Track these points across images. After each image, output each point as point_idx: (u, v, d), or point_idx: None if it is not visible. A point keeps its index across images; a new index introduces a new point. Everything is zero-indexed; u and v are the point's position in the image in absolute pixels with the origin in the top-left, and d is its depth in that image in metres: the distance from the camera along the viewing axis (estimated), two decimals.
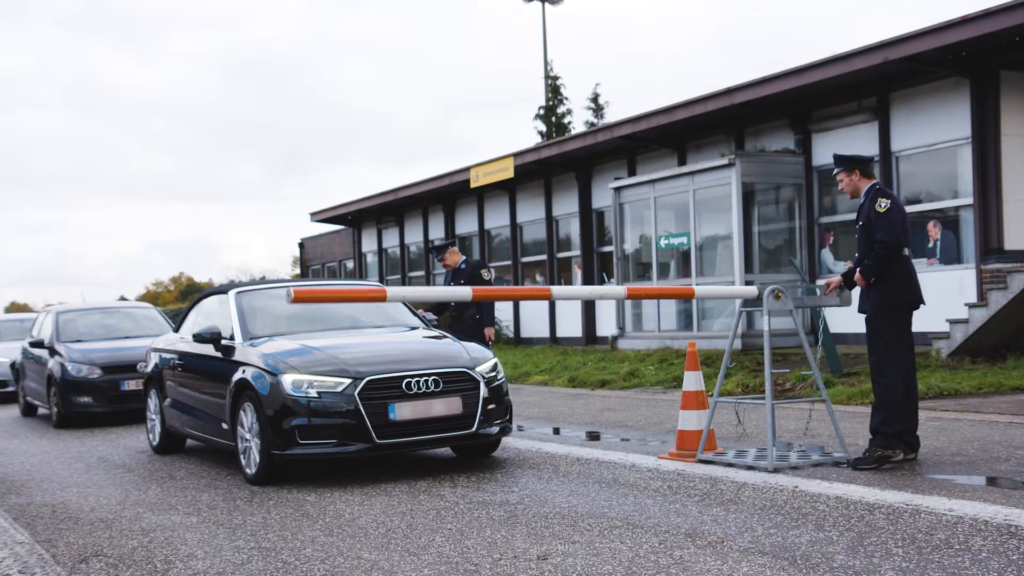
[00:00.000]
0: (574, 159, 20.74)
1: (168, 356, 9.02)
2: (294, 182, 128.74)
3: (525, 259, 23.36)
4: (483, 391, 7.12)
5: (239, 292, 8.29)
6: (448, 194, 25.07)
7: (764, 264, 16.29)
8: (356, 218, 29.92)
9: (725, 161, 15.81)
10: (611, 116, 40.76)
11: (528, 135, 69.80)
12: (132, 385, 11.86)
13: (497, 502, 5.96)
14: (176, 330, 9.45)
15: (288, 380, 6.84)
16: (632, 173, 19.36)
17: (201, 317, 8.80)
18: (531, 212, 23.12)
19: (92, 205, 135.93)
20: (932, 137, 14.08)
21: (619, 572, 4.29)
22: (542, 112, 40.68)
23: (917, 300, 6.71)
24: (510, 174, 21.32)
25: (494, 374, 7.37)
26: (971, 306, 12.38)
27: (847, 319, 13.00)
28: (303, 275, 37.43)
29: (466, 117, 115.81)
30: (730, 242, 15.82)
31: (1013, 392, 10.03)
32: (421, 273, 27.48)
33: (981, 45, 12.65)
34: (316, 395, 6.78)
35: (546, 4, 36.08)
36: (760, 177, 16.01)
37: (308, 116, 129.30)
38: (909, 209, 13.41)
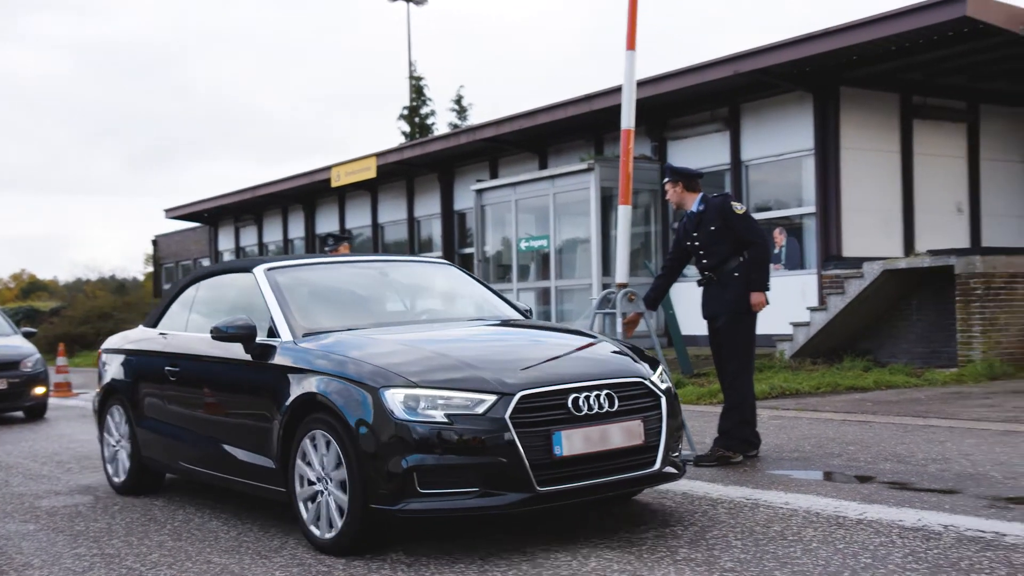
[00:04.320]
0: (437, 160, 20.78)
1: (146, 360, 6.54)
2: (156, 177, 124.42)
3: None
4: (665, 409, 4.93)
5: (271, 268, 5.84)
6: (309, 193, 24.72)
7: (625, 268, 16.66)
8: (213, 216, 29.16)
9: (585, 166, 16.14)
10: (475, 118, 41.00)
11: (393, 135, 69.43)
12: None
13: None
14: (156, 323, 6.81)
15: (397, 397, 4.50)
16: (494, 175, 19.54)
17: (201, 307, 6.43)
18: (393, 213, 23.03)
19: None
20: (779, 148, 14.75)
21: None
22: (406, 113, 40.60)
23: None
24: (372, 174, 21.19)
25: (669, 384, 5.15)
26: (812, 310, 13.03)
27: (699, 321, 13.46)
28: (156, 274, 36.23)
29: (334, 115, 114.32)
30: (588, 245, 16.16)
31: (848, 391, 10.61)
32: None
33: (824, 62, 13.34)
34: (444, 419, 4.43)
35: (411, 4, 36.02)
36: (618, 182, 16.37)
37: (174, 109, 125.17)
38: (759, 216, 14.00)
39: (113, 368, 6.95)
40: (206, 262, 31.08)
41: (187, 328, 6.33)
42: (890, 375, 11.29)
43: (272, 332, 5.36)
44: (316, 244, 25.00)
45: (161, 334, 6.57)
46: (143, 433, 6.42)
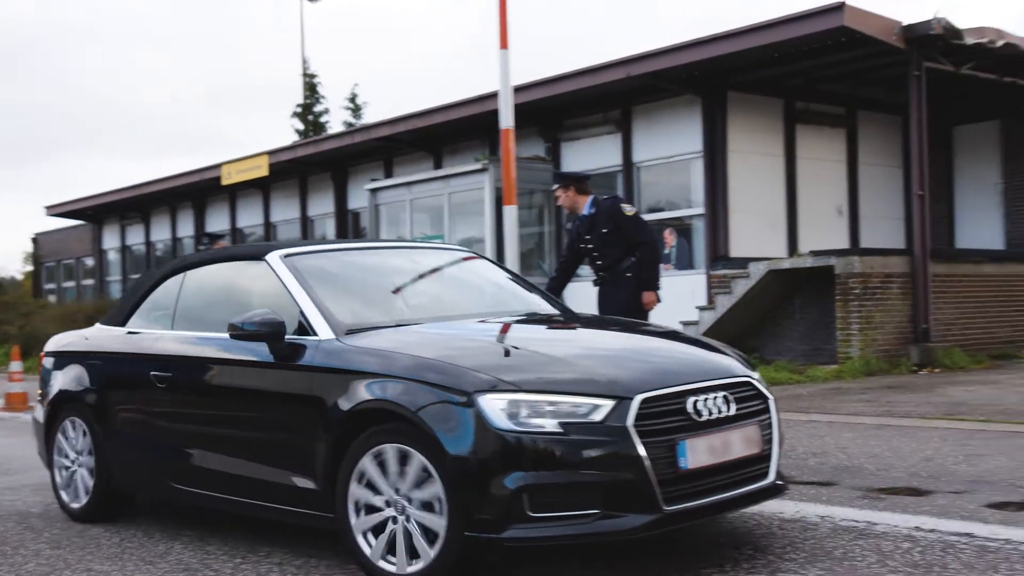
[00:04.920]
0: (331, 159, 20.56)
1: (118, 364, 5.57)
2: (33, 173, 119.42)
3: None
4: (775, 413, 4.42)
5: (290, 255, 5.01)
6: (198, 191, 24.16)
7: (516, 267, 16.79)
8: (98, 213, 28.23)
9: (479, 166, 16.19)
10: (369, 117, 40.67)
11: (286, 133, 68.33)
12: None
13: None
14: (124, 321, 5.81)
15: (497, 403, 3.78)
16: (389, 175, 19.44)
17: (192, 302, 5.45)
18: (286, 212, 22.69)
19: None
20: (669, 150, 15.07)
21: None
22: (299, 110, 40.05)
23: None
24: (264, 172, 20.84)
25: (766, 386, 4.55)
26: (701, 309, 13.38)
27: None
28: (36, 273, 34.88)
29: (223, 112, 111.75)
30: (483, 245, 16.21)
31: None
32: None
33: (711, 67, 13.69)
34: (558, 429, 3.75)
35: (303, 1, 35.55)
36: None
37: (53, 102, 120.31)
38: (650, 216, 14.29)
39: (66, 375, 5.85)
40: (90, 261, 30.06)
41: (174, 326, 5.40)
42: (775, 372, 11.66)
43: (302, 329, 4.54)
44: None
45: (131, 333, 5.64)
46: (114, 450, 5.44)
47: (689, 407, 3.95)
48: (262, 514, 4.69)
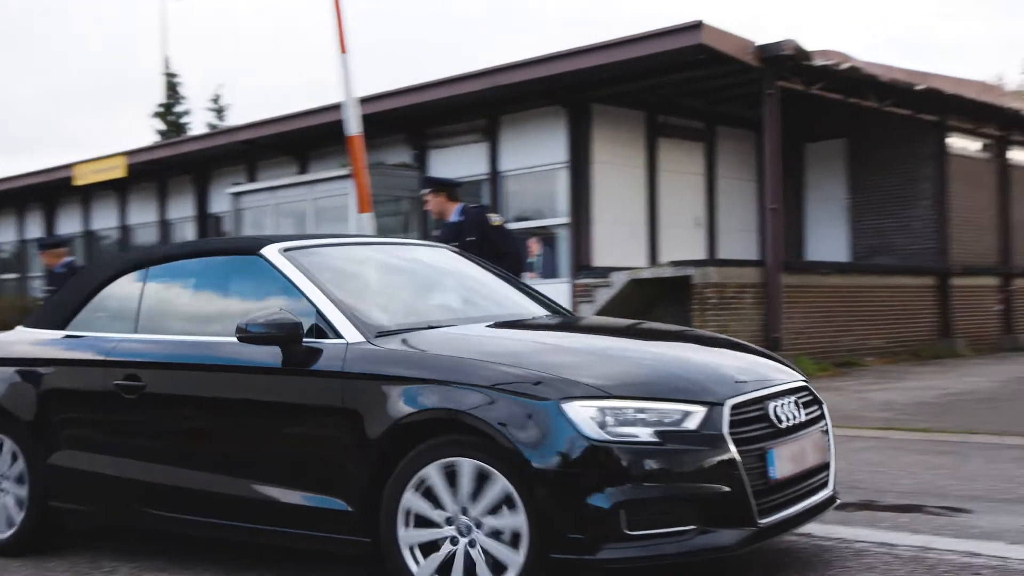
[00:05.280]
0: (192, 161, 20.00)
1: (63, 372, 4.86)
2: None
3: None
4: (829, 419, 4.23)
5: (290, 249, 4.49)
6: (49, 192, 23.10)
7: None
8: None
9: (344, 172, 16.02)
10: (233, 119, 39.73)
11: (145, 134, 66.04)
12: None
13: None
14: (64, 324, 5.05)
15: (586, 411, 3.46)
16: (252, 179, 19.04)
17: (162, 302, 4.81)
18: (144, 215, 21.93)
19: None
20: (535, 160, 15.25)
21: None
22: (160, 110, 38.81)
23: None
24: (122, 173, 20.08)
25: None
26: None
27: None
28: None
29: (81, 110, 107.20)
30: None
31: None
32: (16, 275, 25.05)
33: (576, 79, 13.93)
34: (653, 438, 3.47)
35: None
36: (378, 189, 16.33)
37: None
38: (515, 225, 14.42)
39: None
40: None
41: (138, 329, 4.71)
42: None
43: (318, 331, 4.05)
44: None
45: (72, 338, 4.91)
46: (56, 472, 4.69)
47: (771, 413, 3.75)
48: (276, 541, 4.08)
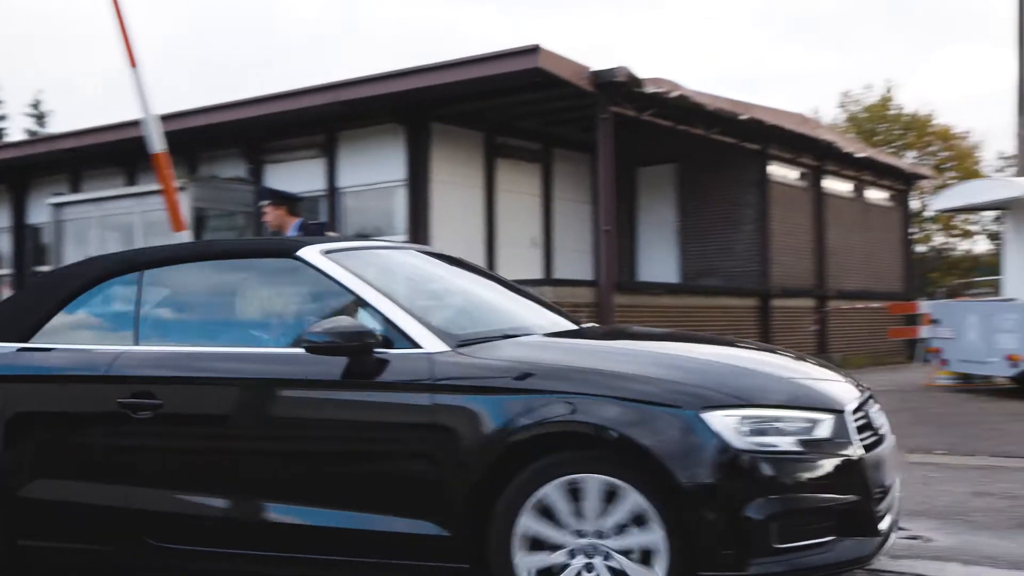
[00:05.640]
0: (8, 169, 18.91)
1: (38, 392, 4.25)
2: None
3: None
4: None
5: (332, 251, 4.12)
6: None
7: None
8: None
9: (178, 185, 15.49)
10: (55, 127, 37.82)
11: None
12: None
13: None
14: (27, 336, 4.35)
15: (729, 420, 3.32)
16: (76, 189, 18.18)
17: (169, 310, 4.37)
18: None
19: None
20: (374, 177, 15.18)
21: None
22: None
23: None
24: None
25: None
26: None
27: None
28: None
29: None
30: None
31: None
32: None
33: (415, 98, 13.97)
34: (795, 447, 3.37)
35: None
36: (213, 203, 15.97)
37: None
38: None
39: None
40: None
41: (138, 340, 4.17)
42: None
43: (385, 341, 3.70)
44: None
45: (39, 350, 4.28)
46: (27, 507, 4.07)
47: (873, 421, 3.73)
48: (343, 572, 3.68)
